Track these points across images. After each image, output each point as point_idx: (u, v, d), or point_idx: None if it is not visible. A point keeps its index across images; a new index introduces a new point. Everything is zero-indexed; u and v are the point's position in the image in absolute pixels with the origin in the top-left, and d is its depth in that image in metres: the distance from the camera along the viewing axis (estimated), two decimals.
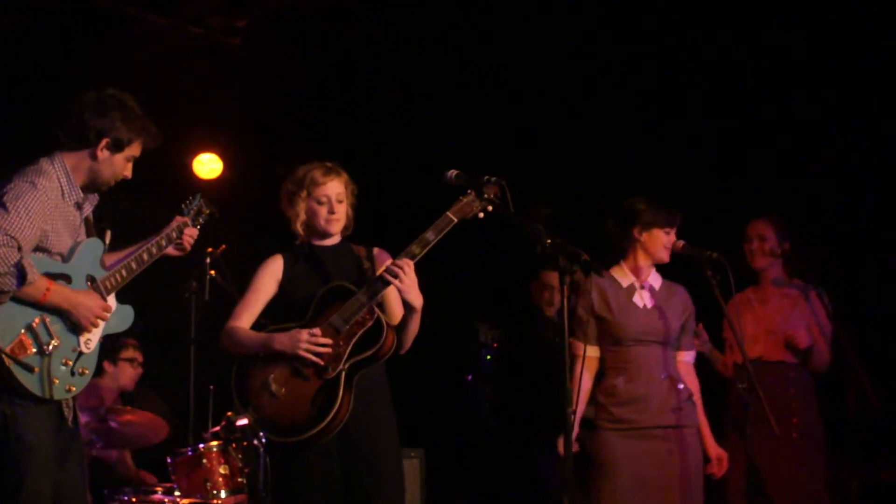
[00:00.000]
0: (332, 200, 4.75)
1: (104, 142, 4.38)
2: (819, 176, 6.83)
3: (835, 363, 5.86)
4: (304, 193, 4.77)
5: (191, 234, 4.77)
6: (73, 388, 4.31)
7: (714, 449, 5.38)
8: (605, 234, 5.45)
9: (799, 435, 5.66)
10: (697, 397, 5.36)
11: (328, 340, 4.49)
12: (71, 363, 4.29)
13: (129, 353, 6.97)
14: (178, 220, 4.77)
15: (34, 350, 4.18)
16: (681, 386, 5.25)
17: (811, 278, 5.88)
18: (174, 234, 4.71)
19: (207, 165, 8.30)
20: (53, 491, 4.26)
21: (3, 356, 4.09)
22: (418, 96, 7.70)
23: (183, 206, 4.87)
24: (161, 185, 7.00)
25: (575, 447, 5.23)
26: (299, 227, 4.81)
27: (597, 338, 5.37)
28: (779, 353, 5.81)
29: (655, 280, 5.39)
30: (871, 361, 5.75)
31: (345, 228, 4.84)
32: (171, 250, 4.72)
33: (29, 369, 4.15)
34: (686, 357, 5.40)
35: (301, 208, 4.78)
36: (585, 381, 5.32)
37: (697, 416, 5.31)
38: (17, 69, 7.04)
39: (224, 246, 6.41)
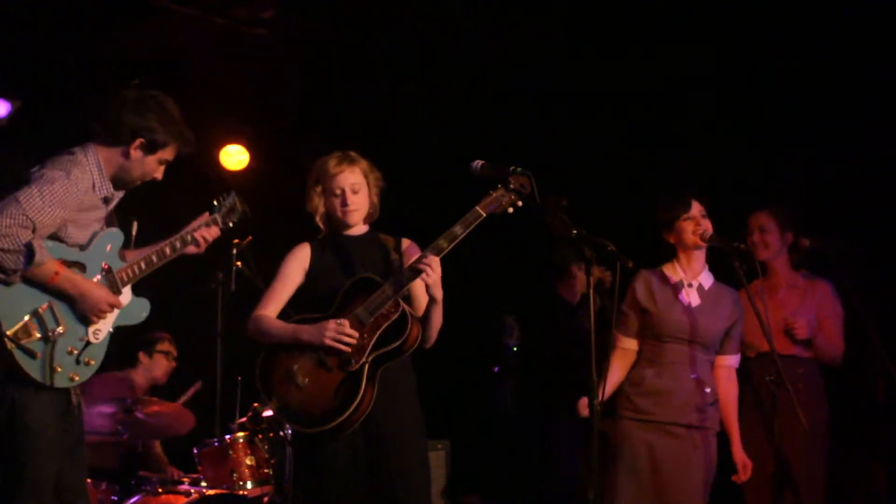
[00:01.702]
0: (346, 191, 4.72)
1: (138, 142, 4.41)
2: (843, 165, 6.78)
3: (862, 354, 5.82)
4: (319, 188, 4.77)
5: (211, 233, 4.75)
6: (77, 378, 4.32)
7: (741, 456, 5.34)
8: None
9: (809, 427, 5.62)
10: (734, 403, 5.34)
11: (354, 332, 4.49)
12: (76, 352, 4.31)
13: (165, 346, 7.01)
14: (201, 218, 4.76)
15: (38, 335, 4.19)
16: (707, 389, 5.24)
17: (840, 270, 5.85)
18: (178, 245, 4.67)
19: (234, 157, 8.31)
20: (58, 477, 4.27)
21: (6, 339, 4.11)
22: (446, 85, 7.68)
23: (216, 201, 4.87)
24: (188, 176, 6.99)
25: None
26: (320, 222, 4.80)
27: (637, 332, 5.39)
28: (788, 347, 5.78)
29: (706, 280, 5.36)
30: None
31: (369, 216, 4.83)
32: (189, 248, 4.72)
33: (31, 354, 4.16)
34: (729, 361, 5.37)
35: (319, 203, 4.78)
36: (615, 372, 5.33)
37: (719, 420, 5.29)
38: (45, 59, 7.06)
39: (250, 237, 6.41)
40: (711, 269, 5.40)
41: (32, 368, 4.17)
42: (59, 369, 4.23)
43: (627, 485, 5.22)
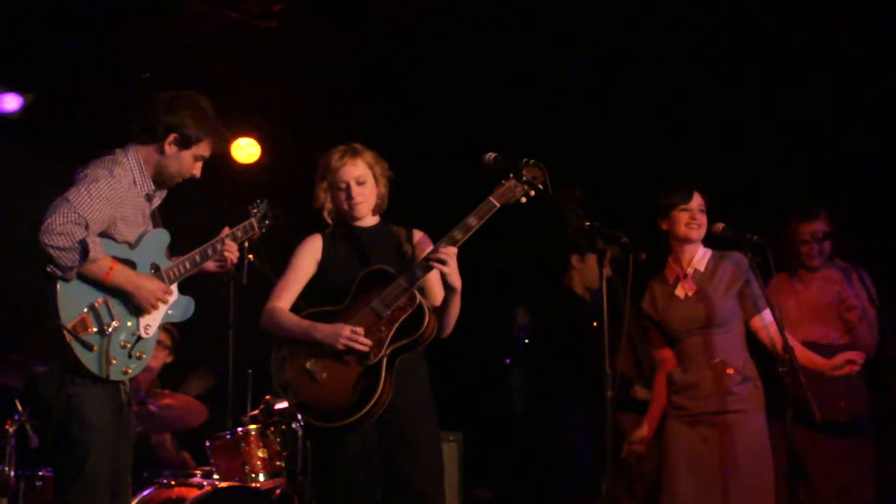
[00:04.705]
0: (350, 184, 4.73)
1: (172, 137, 4.54)
2: (856, 155, 6.76)
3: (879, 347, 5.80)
4: (324, 184, 4.79)
5: (231, 248, 4.79)
6: (130, 371, 4.45)
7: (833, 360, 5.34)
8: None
9: (846, 420, 5.61)
10: (795, 344, 5.23)
11: (368, 341, 4.49)
12: (129, 346, 4.44)
13: (159, 335, 6.97)
14: (226, 230, 4.81)
15: (95, 329, 4.32)
16: (731, 371, 5.22)
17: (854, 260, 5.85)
18: (218, 246, 4.76)
19: (245, 150, 8.29)
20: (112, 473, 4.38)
21: (65, 332, 4.22)
22: (458, 76, 7.67)
23: (250, 207, 4.92)
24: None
25: None
26: (328, 217, 4.82)
27: (662, 341, 5.44)
28: (825, 337, 5.77)
29: (701, 262, 5.36)
30: None
31: (377, 207, 4.83)
32: (209, 265, 4.77)
33: (88, 347, 4.28)
34: (762, 320, 5.28)
35: (325, 198, 4.80)
36: (658, 391, 5.43)
37: (757, 397, 5.24)
38: (58, 53, 7.06)
39: (262, 233, 6.42)
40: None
41: (89, 361, 4.29)
42: (114, 362, 4.36)
43: (669, 477, 5.25)
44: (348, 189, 4.74)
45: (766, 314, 5.27)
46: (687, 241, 5.34)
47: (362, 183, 4.75)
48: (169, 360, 6.97)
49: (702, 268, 5.35)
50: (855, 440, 5.70)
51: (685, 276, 5.35)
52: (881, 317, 5.74)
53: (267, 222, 4.92)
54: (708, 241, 5.42)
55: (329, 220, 4.83)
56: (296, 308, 4.74)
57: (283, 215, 4.99)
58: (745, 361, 5.27)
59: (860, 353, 5.33)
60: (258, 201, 4.95)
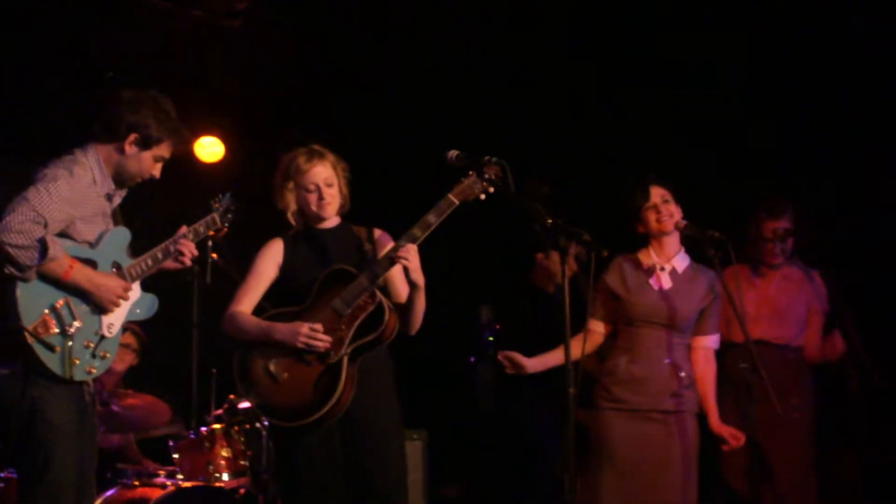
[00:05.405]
0: (320, 186, 4.74)
1: (133, 137, 4.52)
2: (817, 152, 6.81)
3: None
4: (291, 184, 4.78)
5: (187, 245, 4.75)
6: (94, 370, 4.43)
7: (722, 428, 5.29)
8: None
9: (798, 415, 5.66)
10: (711, 383, 5.32)
11: (327, 338, 4.49)
12: (93, 346, 4.41)
13: (126, 337, 6.94)
14: (183, 229, 4.79)
15: (56, 330, 4.29)
16: (682, 373, 5.23)
17: (812, 259, 5.89)
18: (178, 243, 4.73)
19: (209, 149, 8.25)
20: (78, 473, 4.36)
21: (26, 334, 4.20)
22: (421, 75, 7.68)
23: (212, 201, 4.90)
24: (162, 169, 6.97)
25: None
26: (291, 218, 4.82)
27: (603, 315, 5.37)
28: (780, 337, 5.82)
29: (681, 263, 5.36)
30: (873, 342, 5.74)
31: (341, 208, 4.83)
32: (169, 263, 4.73)
33: (50, 348, 4.25)
34: (707, 342, 5.35)
35: (290, 199, 4.79)
36: (574, 347, 5.29)
37: (697, 402, 5.28)
38: (18, 52, 7.02)
39: (226, 229, 6.40)
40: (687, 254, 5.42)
41: (52, 362, 4.27)
42: (77, 362, 4.34)
43: (609, 475, 5.22)
44: (319, 191, 4.74)
45: (712, 339, 5.36)
46: (663, 234, 5.35)
47: (331, 185, 4.76)
48: (135, 362, 6.95)
49: (680, 270, 5.36)
50: (804, 435, 5.79)
51: (662, 268, 5.35)
52: (842, 316, 5.78)
53: (229, 216, 4.91)
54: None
55: (293, 221, 4.82)
56: (260, 309, 4.74)
57: (245, 208, 4.98)
58: (689, 368, 5.29)
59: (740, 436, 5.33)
60: (220, 195, 4.94)
